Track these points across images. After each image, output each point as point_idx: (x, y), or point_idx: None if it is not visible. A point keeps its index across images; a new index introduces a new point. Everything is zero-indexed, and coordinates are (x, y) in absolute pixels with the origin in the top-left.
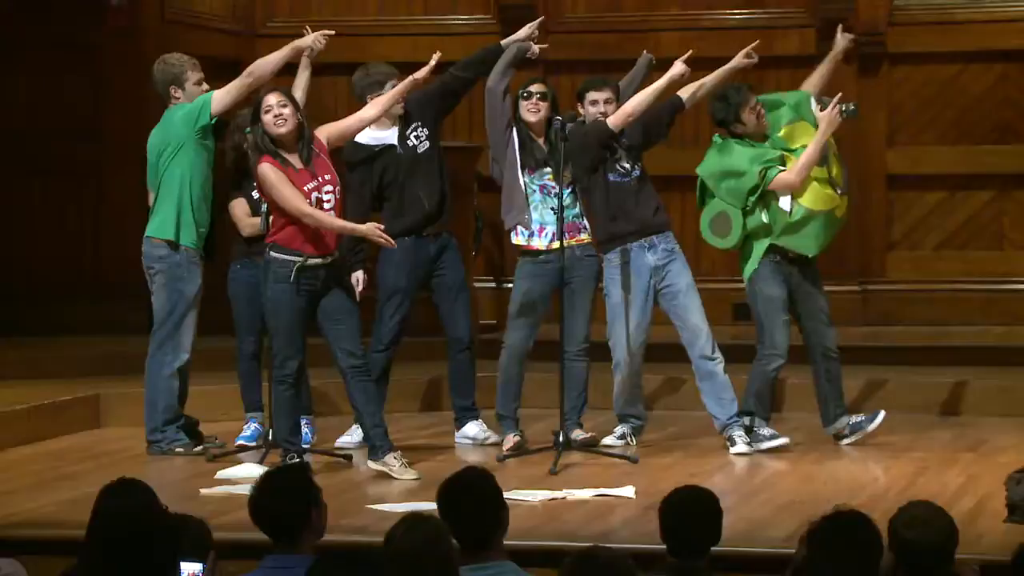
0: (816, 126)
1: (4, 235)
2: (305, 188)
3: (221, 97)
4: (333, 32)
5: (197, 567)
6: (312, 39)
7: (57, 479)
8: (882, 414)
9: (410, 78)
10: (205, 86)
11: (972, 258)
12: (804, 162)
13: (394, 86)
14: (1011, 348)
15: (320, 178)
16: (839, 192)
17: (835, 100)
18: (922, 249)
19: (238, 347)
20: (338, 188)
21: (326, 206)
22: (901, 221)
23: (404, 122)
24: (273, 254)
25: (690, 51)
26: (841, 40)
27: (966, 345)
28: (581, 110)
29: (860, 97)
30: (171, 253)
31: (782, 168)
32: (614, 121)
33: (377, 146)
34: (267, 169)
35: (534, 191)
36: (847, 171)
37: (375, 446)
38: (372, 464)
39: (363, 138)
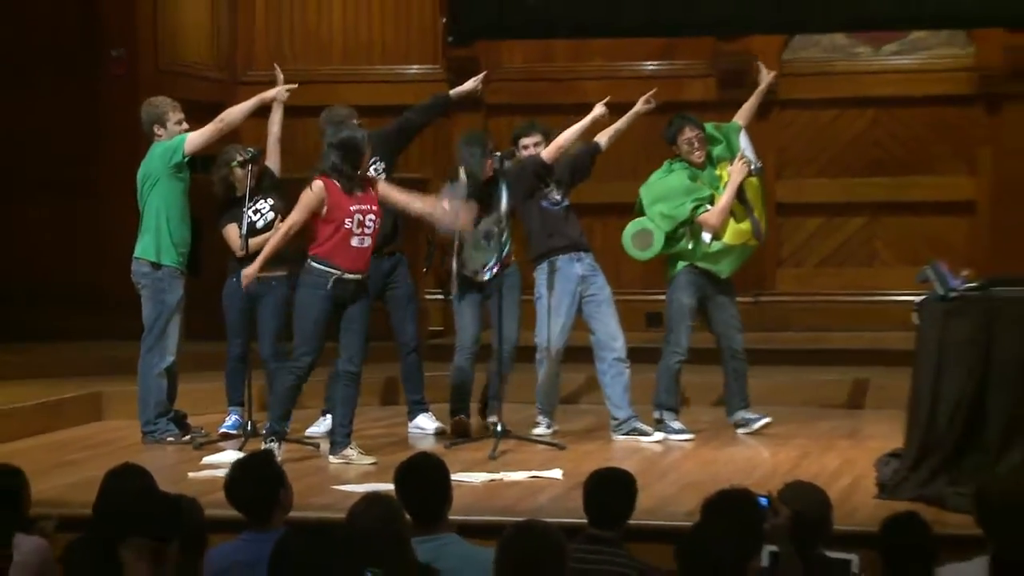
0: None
1: (15, 249)
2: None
3: (194, 139)
4: (296, 85)
5: None
6: (276, 92)
7: (62, 465)
8: (768, 419)
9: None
10: (185, 125)
11: (847, 274)
12: (721, 207)
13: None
14: (880, 351)
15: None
16: (757, 237)
17: (741, 157)
18: (805, 266)
19: (228, 349)
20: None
21: (367, 229)
22: (788, 242)
23: None
24: (313, 264)
25: (608, 96)
26: (765, 76)
27: (843, 348)
28: (518, 152)
29: (753, 137)
30: (153, 271)
31: (708, 207)
32: (547, 154)
33: None
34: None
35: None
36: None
37: (335, 442)
38: (332, 459)
39: None
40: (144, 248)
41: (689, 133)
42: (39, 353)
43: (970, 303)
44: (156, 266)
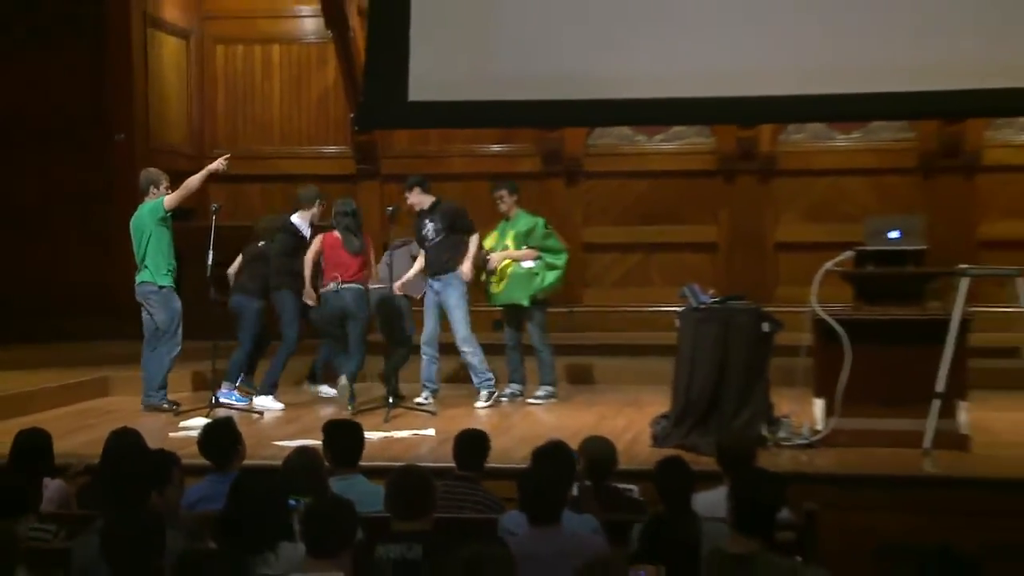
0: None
1: (35, 269)
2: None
3: (170, 200)
4: (229, 155)
5: None
6: (218, 164)
7: (77, 429)
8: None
9: (207, 168)
10: (168, 191)
11: (631, 292)
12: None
13: (320, 204)
14: (654, 345)
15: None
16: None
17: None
18: (603, 286)
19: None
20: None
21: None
22: (591, 270)
23: None
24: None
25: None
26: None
27: (629, 343)
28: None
29: (568, 198)
30: (158, 290)
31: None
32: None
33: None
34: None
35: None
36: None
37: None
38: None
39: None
40: (149, 275)
41: (497, 193)
42: (53, 348)
43: (713, 313)
44: (160, 287)
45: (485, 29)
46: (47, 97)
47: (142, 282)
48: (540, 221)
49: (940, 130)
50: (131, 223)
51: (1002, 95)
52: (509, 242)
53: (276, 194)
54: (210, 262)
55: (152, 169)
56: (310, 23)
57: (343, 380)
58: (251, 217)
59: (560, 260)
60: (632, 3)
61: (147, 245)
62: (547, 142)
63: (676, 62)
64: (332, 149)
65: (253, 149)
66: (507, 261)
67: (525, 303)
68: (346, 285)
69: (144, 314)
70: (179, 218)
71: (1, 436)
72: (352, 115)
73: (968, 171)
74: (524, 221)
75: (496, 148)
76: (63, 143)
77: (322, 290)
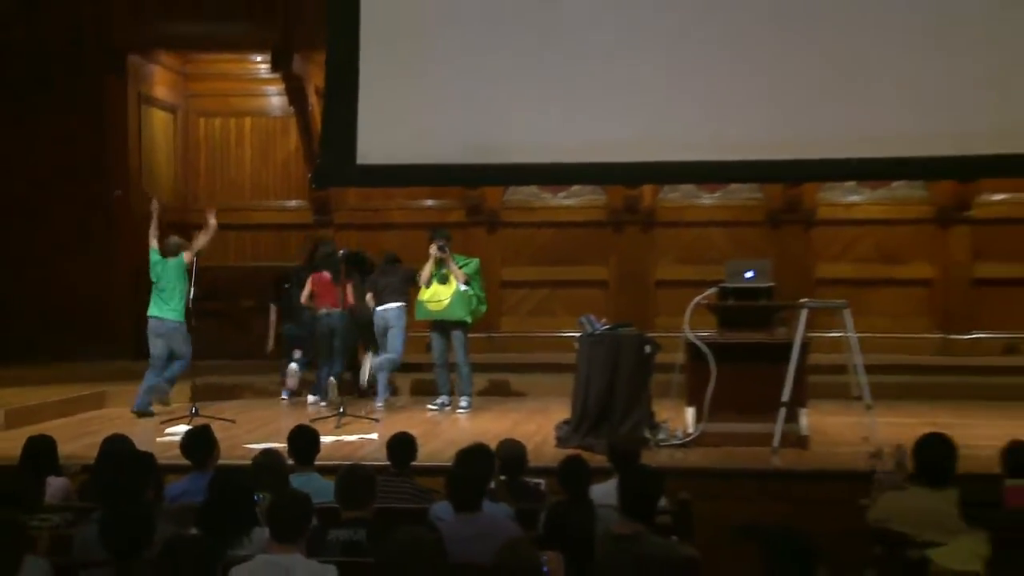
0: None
1: (39, 299)
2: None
3: (188, 258)
4: (216, 208)
5: None
6: (214, 224)
7: (78, 435)
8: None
9: (211, 229)
10: (188, 253)
11: (540, 321)
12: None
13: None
14: (558, 363)
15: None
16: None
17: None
18: (517, 315)
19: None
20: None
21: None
22: (508, 302)
23: None
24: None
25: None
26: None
27: (538, 362)
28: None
29: (490, 243)
30: (181, 325)
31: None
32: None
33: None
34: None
35: None
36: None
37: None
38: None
39: None
40: (177, 315)
41: (439, 243)
42: (54, 368)
43: (605, 337)
44: (181, 323)
45: (419, 106)
46: (56, 157)
47: (170, 320)
48: (477, 260)
49: (783, 191)
50: (160, 274)
51: (831, 164)
52: (452, 273)
53: (247, 240)
54: (191, 296)
55: (175, 237)
56: (276, 100)
57: (332, 380)
58: (227, 259)
59: (481, 305)
60: (540, 86)
61: (177, 292)
62: (471, 198)
63: (576, 134)
64: (293, 203)
65: (228, 203)
66: (451, 281)
67: (468, 319)
68: (332, 310)
69: (159, 344)
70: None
71: (14, 442)
72: (310, 176)
73: (806, 224)
74: (462, 259)
75: (429, 203)
76: (68, 195)
77: (319, 314)
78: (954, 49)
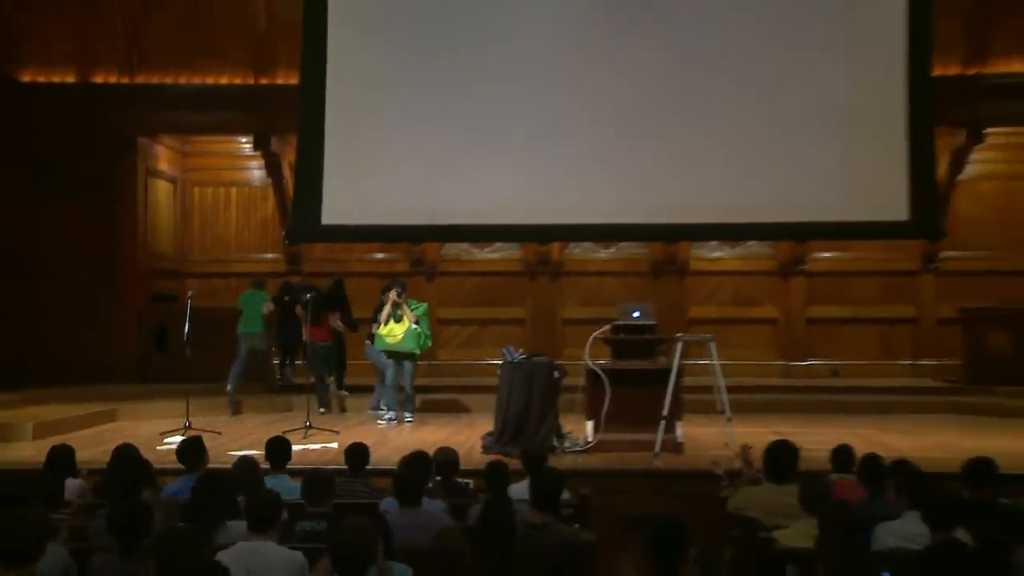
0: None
1: (65, 337)
2: None
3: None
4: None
5: None
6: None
7: (93, 444)
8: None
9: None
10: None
11: (470, 351)
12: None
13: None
14: (484, 386)
15: None
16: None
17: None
18: (450, 347)
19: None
20: None
21: None
22: (443, 336)
23: None
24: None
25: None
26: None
27: (468, 385)
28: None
29: (427, 290)
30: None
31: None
32: None
33: None
34: None
35: None
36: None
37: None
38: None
39: None
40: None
41: (396, 290)
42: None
43: (522, 365)
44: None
45: (372, 181)
46: (78, 219)
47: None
48: (426, 304)
49: (664, 248)
50: (252, 303)
51: (701, 228)
52: (405, 315)
53: (232, 285)
54: (187, 330)
55: (259, 276)
56: (257, 173)
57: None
58: (216, 300)
59: (428, 341)
60: (469, 167)
61: (257, 318)
62: (414, 252)
63: (498, 201)
64: (270, 255)
65: (217, 256)
66: (404, 320)
67: (416, 351)
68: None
69: (247, 352)
70: (168, 300)
71: (40, 450)
72: (284, 233)
73: (680, 274)
74: (415, 303)
75: (380, 255)
76: (88, 249)
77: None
78: (798, 143)
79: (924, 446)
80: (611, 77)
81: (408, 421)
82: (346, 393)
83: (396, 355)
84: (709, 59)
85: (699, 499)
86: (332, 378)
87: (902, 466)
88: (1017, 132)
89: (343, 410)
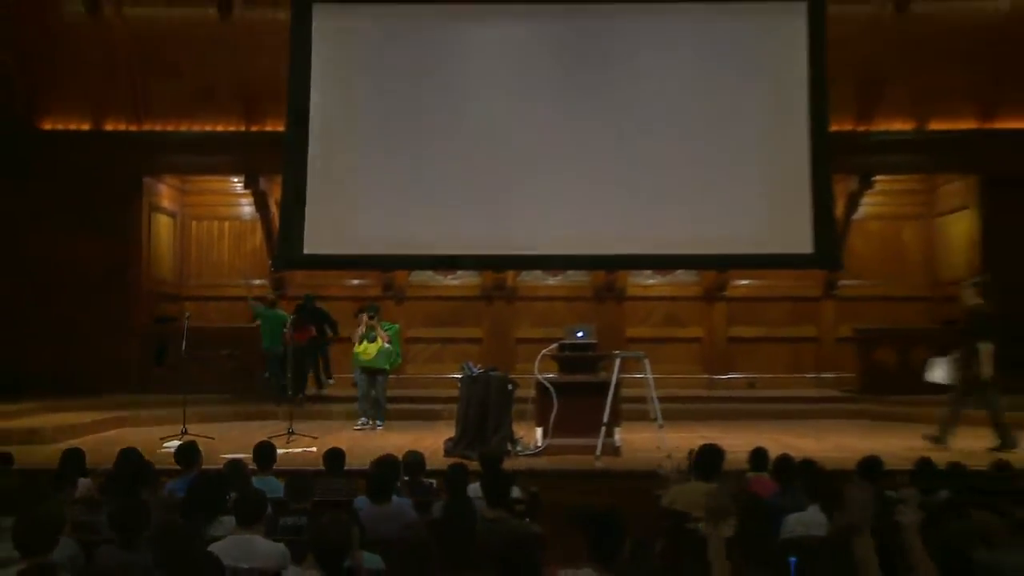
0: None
1: (77, 353)
2: None
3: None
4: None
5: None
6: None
7: (105, 446)
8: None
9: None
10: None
11: (434, 367)
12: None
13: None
14: (447, 397)
15: None
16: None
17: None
18: (416, 363)
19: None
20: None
21: None
22: (411, 353)
23: None
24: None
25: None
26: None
27: (433, 396)
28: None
29: (397, 312)
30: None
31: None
32: None
33: None
34: None
35: None
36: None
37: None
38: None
39: None
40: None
41: (371, 313)
42: (86, 399)
43: (480, 378)
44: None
45: (349, 215)
46: (89, 250)
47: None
48: (397, 326)
49: (604, 276)
50: (260, 315)
51: (637, 258)
52: (379, 336)
53: (224, 307)
54: (184, 347)
55: (271, 296)
56: (247, 208)
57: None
58: (211, 321)
59: (398, 359)
60: (432, 204)
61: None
62: (385, 278)
63: (460, 235)
64: (258, 280)
65: (211, 281)
66: (378, 340)
67: (387, 367)
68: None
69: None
70: (167, 320)
71: (55, 453)
72: (270, 261)
73: (619, 299)
74: (388, 324)
75: (355, 281)
76: (99, 276)
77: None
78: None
79: (826, 447)
80: (561, 132)
81: (379, 428)
82: (331, 381)
83: (369, 370)
84: (645, 114)
85: (635, 495)
86: (311, 373)
87: (808, 465)
88: (899, 180)
89: (320, 387)
